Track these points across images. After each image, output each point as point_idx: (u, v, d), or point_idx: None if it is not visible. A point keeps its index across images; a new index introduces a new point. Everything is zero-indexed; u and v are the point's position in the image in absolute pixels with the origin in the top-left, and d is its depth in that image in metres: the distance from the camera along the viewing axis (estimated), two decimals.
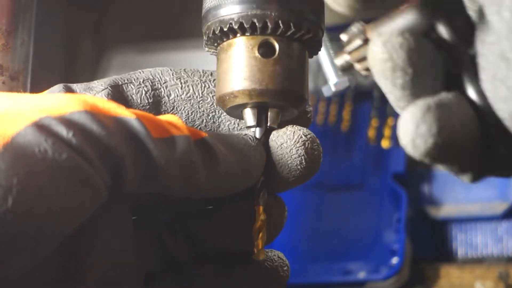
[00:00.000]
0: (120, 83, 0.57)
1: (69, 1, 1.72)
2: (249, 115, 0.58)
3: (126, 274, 0.52)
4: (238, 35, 0.57)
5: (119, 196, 0.49)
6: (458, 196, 1.24)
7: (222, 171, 0.53)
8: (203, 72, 0.60)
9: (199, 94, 0.59)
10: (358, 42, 0.53)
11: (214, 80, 0.60)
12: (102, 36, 1.71)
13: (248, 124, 0.58)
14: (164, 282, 0.56)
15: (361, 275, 1.18)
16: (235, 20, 0.57)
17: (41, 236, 0.45)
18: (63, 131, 0.46)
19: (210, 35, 0.59)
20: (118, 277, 0.51)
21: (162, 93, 0.58)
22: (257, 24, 0.57)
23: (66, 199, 0.45)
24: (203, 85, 0.59)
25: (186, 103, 0.59)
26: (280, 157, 0.57)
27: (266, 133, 0.58)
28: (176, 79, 0.59)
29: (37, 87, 0.69)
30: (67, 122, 0.46)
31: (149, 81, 0.58)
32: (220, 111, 0.59)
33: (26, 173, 0.44)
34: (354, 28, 0.53)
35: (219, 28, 0.58)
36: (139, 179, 0.49)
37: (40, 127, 0.46)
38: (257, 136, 0.57)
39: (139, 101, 0.57)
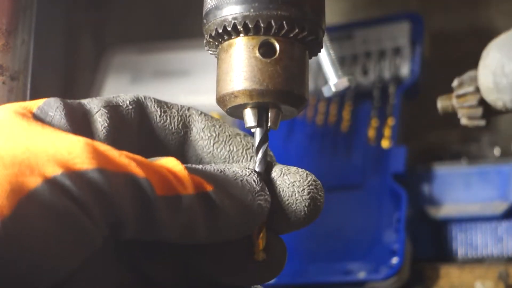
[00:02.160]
0: (112, 104, 0.57)
1: (69, 1, 1.72)
2: (249, 116, 0.58)
3: None
4: (238, 35, 0.57)
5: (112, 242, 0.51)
6: (458, 196, 1.24)
7: (222, 225, 0.53)
8: (181, 106, 0.61)
9: (174, 126, 0.59)
10: (468, 89, 0.53)
11: (189, 115, 0.60)
12: (102, 36, 1.71)
13: (248, 125, 0.58)
14: None
15: (361, 275, 1.18)
16: (236, 20, 0.57)
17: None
18: (75, 192, 0.47)
19: (211, 35, 0.59)
20: None
21: (144, 117, 0.59)
22: (257, 24, 0.57)
23: (71, 257, 0.47)
24: (180, 118, 0.60)
25: (161, 131, 0.59)
26: (291, 194, 0.56)
27: (265, 134, 0.58)
28: (157, 107, 0.59)
29: (37, 87, 0.69)
30: (81, 182, 0.47)
31: (135, 103, 0.59)
32: (189, 142, 0.60)
33: (36, 234, 0.45)
34: (467, 75, 0.53)
35: (219, 28, 0.58)
36: (137, 232, 0.50)
37: (56, 186, 0.47)
38: (257, 136, 0.57)
39: (129, 121, 0.57)
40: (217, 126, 0.60)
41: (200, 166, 0.54)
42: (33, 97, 0.70)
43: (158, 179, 0.50)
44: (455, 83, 0.54)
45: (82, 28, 1.72)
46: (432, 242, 1.23)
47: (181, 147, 0.60)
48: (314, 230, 1.25)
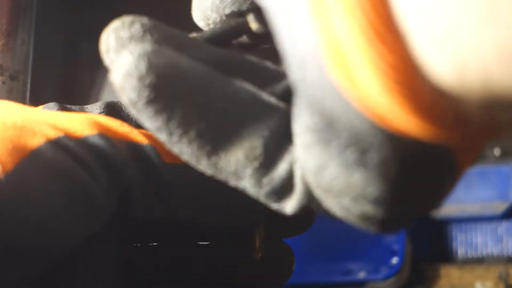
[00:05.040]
0: (114, 108, 0.57)
1: (69, 1, 1.71)
2: None
3: None
4: None
5: (120, 219, 0.49)
6: (458, 196, 1.23)
7: (238, 196, 0.52)
8: None
9: None
10: None
11: None
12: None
13: None
14: None
15: (361, 275, 1.18)
16: None
17: (44, 254, 0.45)
18: (80, 153, 0.46)
19: None
20: None
21: None
22: None
23: (75, 221, 0.46)
24: None
25: None
26: None
27: None
28: None
29: (37, 87, 0.69)
30: (84, 144, 0.47)
31: None
32: None
33: (42, 191, 0.45)
34: None
35: None
36: (147, 204, 0.49)
37: (59, 146, 0.46)
38: None
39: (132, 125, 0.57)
40: None
41: None
42: (33, 97, 0.70)
43: (163, 148, 0.48)
44: None
45: (82, 28, 1.72)
46: (432, 242, 1.23)
47: None
48: (314, 230, 1.25)
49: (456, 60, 0.33)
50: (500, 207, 1.20)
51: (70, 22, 1.72)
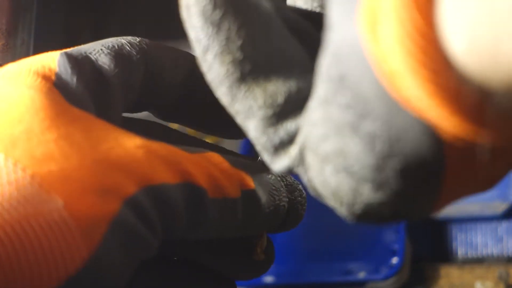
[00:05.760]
0: (124, 61, 0.56)
1: (69, 1, 1.72)
2: None
3: None
4: None
5: None
6: None
7: (255, 222, 0.52)
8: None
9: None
10: None
11: None
12: (102, 36, 1.71)
13: None
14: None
15: (361, 275, 1.17)
16: None
17: None
18: (147, 211, 0.46)
19: None
20: None
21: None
22: None
23: (132, 269, 0.47)
24: None
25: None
26: None
27: None
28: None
29: None
30: (151, 199, 0.47)
31: (141, 53, 0.57)
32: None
33: (118, 263, 0.45)
34: None
35: None
36: (182, 234, 0.50)
37: (133, 207, 0.46)
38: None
39: (138, 77, 0.55)
40: None
41: (237, 157, 0.53)
42: None
43: (211, 184, 0.49)
44: None
45: (82, 28, 1.72)
46: (432, 242, 1.23)
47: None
48: (314, 230, 1.25)
49: (469, 36, 0.33)
50: (500, 207, 1.20)
51: (70, 22, 1.72)
